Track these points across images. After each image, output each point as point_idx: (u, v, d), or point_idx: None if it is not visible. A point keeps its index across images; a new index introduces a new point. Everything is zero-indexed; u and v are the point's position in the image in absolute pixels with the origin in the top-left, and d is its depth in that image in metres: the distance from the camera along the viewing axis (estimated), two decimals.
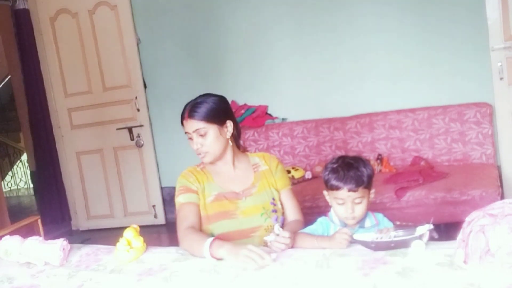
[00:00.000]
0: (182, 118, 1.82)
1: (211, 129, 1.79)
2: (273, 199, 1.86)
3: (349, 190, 1.60)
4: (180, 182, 1.86)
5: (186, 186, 1.83)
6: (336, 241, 1.51)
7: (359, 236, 1.46)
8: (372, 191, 1.67)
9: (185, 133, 1.83)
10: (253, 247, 1.47)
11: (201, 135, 1.79)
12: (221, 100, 1.87)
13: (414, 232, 1.36)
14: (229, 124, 1.85)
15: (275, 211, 1.84)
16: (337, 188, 1.62)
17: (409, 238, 1.35)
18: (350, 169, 1.62)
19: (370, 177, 1.64)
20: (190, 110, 1.80)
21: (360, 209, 1.63)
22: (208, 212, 1.81)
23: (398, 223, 1.48)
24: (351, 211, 1.61)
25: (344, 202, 1.62)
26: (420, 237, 1.35)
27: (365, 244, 1.42)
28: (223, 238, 1.73)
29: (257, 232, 1.78)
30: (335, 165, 1.66)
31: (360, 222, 1.66)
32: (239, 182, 1.87)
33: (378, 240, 1.39)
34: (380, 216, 1.72)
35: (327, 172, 1.67)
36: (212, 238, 1.59)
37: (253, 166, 1.92)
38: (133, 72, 4.13)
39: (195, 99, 1.84)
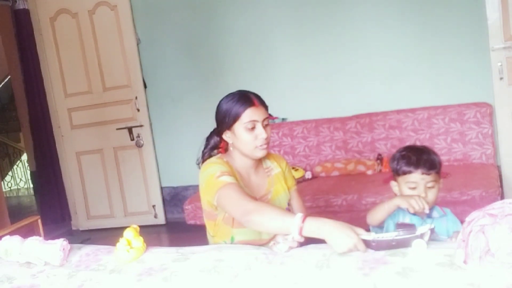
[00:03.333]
0: (247, 106, 1.70)
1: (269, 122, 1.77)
2: (288, 203, 1.84)
3: (423, 173, 1.61)
4: (216, 168, 1.68)
5: (227, 171, 1.68)
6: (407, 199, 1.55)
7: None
8: (441, 181, 1.67)
9: (248, 122, 1.70)
10: (358, 231, 1.33)
11: (266, 125, 1.74)
12: None
13: (415, 231, 1.36)
14: None
15: None
16: (409, 172, 1.63)
17: (410, 237, 1.34)
18: (422, 153, 1.64)
19: (441, 164, 1.65)
20: (257, 98, 1.74)
21: (432, 194, 1.62)
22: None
23: (399, 222, 1.48)
24: (424, 195, 1.61)
25: (417, 186, 1.62)
26: (421, 236, 1.34)
27: (366, 243, 1.40)
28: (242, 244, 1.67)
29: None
30: (404, 153, 1.67)
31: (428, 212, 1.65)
32: (255, 188, 1.81)
33: (380, 239, 1.37)
34: (448, 210, 1.70)
35: (396, 161, 1.68)
36: (301, 214, 1.43)
37: (266, 170, 1.87)
38: (133, 72, 4.13)
39: (244, 91, 1.76)
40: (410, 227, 1.39)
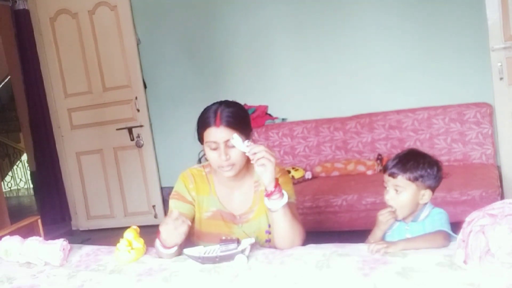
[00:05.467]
0: (208, 125, 1.59)
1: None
2: (269, 225, 1.66)
3: (389, 175, 1.62)
4: (178, 185, 1.75)
5: (181, 195, 1.73)
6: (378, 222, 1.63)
7: (188, 251, 1.53)
8: (424, 192, 1.61)
9: (209, 142, 1.60)
10: (169, 220, 1.49)
11: (231, 146, 1.58)
12: (244, 108, 1.71)
13: (238, 245, 1.47)
14: (252, 135, 1.69)
15: (268, 240, 1.69)
16: (384, 170, 1.66)
17: (232, 253, 1.46)
18: (409, 160, 1.62)
19: (422, 176, 1.60)
20: (221, 117, 1.56)
21: (401, 197, 1.60)
22: (202, 229, 1.74)
23: (224, 237, 1.50)
24: (388, 196, 1.62)
25: (387, 187, 1.64)
26: (243, 251, 1.46)
27: (194, 258, 1.51)
28: None
29: None
30: (401, 152, 1.68)
31: (414, 217, 1.65)
32: (239, 204, 1.74)
33: (205, 255, 1.48)
34: (435, 211, 1.64)
35: None
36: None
37: (254, 183, 1.74)
38: (133, 72, 4.12)
39: (219, 104, 1.62)
40: (232, 242, 1.47)
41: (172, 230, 1.48)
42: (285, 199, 1.55)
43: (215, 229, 1.72)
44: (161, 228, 1.51)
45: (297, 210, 1.79)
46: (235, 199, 1.75)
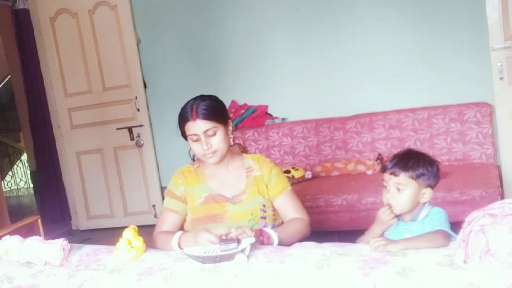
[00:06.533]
0: (186, 120, 1.76)
1: (220, 129, 1.77)
2: (264, 205, 1.82)
3: (390, 174, 1.62)
4: (170, 184, 1.90)
5: (172, 191, 1.88)
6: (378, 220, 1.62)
7: (188, 251, 1.54)
8: (425, 190, 1.61)
9: (190, 135, 1.77)
10: (207, 234, 1.57)
11: (210, 136, 1.75)
12: (219, 99, 1.85)
13: (238, 245, 1.48)
14: (230, 123, 1.85)
15: (264, 217, 1.81)
16: (384, 169, 1.65)
17: (232, 252, 1.46)
18: (409, 159, 1.62)
19: (423, 174, 1.60)
20: (197, 111, 1.74)
21: (401, 197, 1.60)
22: (197, 215, 1.83)
23: (224, 237, 1.53)
24: (389, 195, 1.62)
25: (387, 186, 1.63)
26: (243, 251, 1.46)
27: (194, 258, 1.51)
28: None
29: None
30: (400, 152, 1.68)
31: (413, 216, 1.64)
32: (230, 187, 1.85)
33: (205, 255, 1.49)
34: (435, 210, 1.65)
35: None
36: (181, 232, 1.73)
37: (246, 169, 1.88)
38: (133, 72, 4.13)
39: (194, 100, 1.79)
40: (232, 241, 1.49)
41: (194, 241, 1.60)
42: (275, 237, 1.68)
43: (210, 211, 1.82)
44: (199, 236, 1.59)
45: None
46: (226, 183, 1.86)
